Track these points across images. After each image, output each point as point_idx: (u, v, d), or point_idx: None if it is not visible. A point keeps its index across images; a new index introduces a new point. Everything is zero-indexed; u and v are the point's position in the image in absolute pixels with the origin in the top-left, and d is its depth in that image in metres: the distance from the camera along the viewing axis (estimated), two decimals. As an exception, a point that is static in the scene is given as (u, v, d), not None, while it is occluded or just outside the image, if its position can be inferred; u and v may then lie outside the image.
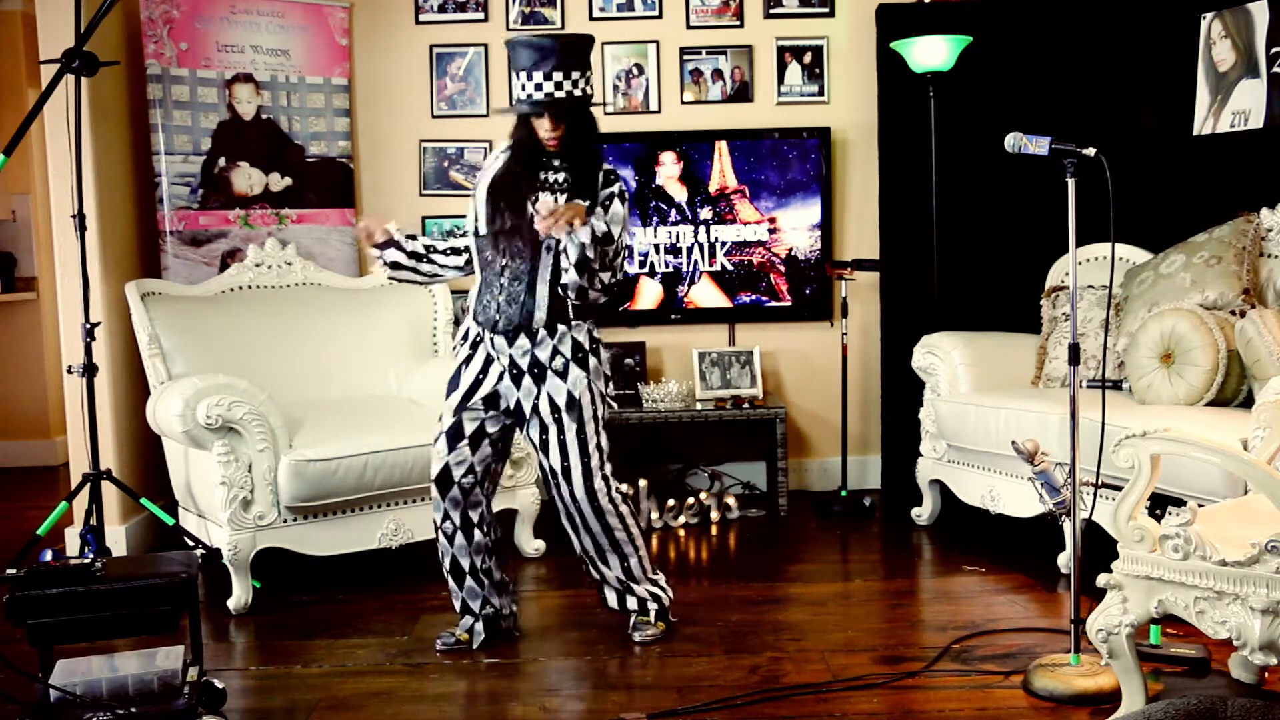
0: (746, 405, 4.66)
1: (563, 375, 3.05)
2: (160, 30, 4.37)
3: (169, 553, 2.88)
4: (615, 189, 3.07)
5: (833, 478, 5.00)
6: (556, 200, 3.00)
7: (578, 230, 2.89)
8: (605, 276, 3.04)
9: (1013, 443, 3.02)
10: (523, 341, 3.05)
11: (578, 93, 2.96)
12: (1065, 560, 3.69)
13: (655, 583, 3.29)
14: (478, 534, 3.17)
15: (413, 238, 3.22)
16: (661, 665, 3.06)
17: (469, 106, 4.92)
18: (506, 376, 3.09)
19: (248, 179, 4.59)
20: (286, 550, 3.64)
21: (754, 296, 4.96)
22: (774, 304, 4.97)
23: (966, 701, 2.78)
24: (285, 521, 3.64)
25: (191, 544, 3.76)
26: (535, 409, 3.08)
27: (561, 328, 3.05)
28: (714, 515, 4.61)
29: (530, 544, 4.13)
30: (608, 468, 3.13)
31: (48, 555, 2.64)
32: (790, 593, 3.70)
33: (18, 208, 6.12)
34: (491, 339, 3.08)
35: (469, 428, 3.12)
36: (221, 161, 4.53)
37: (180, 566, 2.65)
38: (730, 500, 4.68)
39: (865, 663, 3.04)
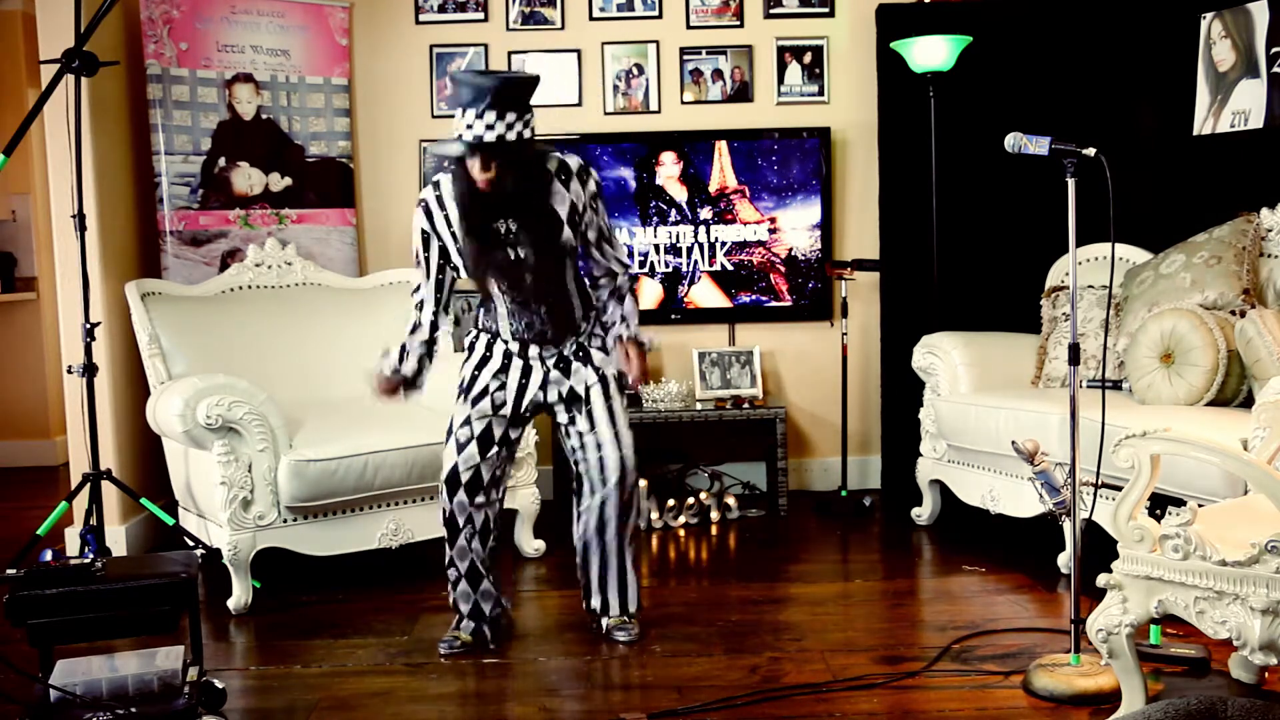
0: (746, 405, 4.66)
1: (604, 349, 3.20)
2: (160, 30, 4.37)
3: (169, 553, 2.88)
4: (593, 186, 3.08)
5: (833, 478, 5.00)
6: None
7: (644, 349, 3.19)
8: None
9: (1013, 443, 3.02)
10: (568, 340, 3.18)
11: (511, 135, 2.83)
12: (1065, 560, 3.69)
13: (634, 587, 3.28)
14: (491, 538, 3.23)
15: (402, 359, 3.18)
16: (661, 665, 3.06)
17: (469, 106, 4.91)
18: (553, 371, 3.17)
19: (248, 179, 4.59)
20: (286, 550, 3.64)
21: (754, 296, 4.96)
22: (774, 304, 4.96)
23: (966, 701, 2.77)
24: (285, 521, 3.64)
25: (191, 544, 3.76)
26: (585, 385, 3.18)
27: (593, 314, 3.21)
28: (714, 515, 4.61)
29: (530, 544, 4.13)
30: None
31: (48, 555, 2.64)
32: (790, 593, 3.70)
33: (18, 208, 6.12)
34: (540, 350, 3.15)
35: (498, 433, 3.16)
36: (221, 161, 4.53)
37: (180, 566, 2.65)
38: (730, 500, 4.67)
39: (865, 663, 3.04)
